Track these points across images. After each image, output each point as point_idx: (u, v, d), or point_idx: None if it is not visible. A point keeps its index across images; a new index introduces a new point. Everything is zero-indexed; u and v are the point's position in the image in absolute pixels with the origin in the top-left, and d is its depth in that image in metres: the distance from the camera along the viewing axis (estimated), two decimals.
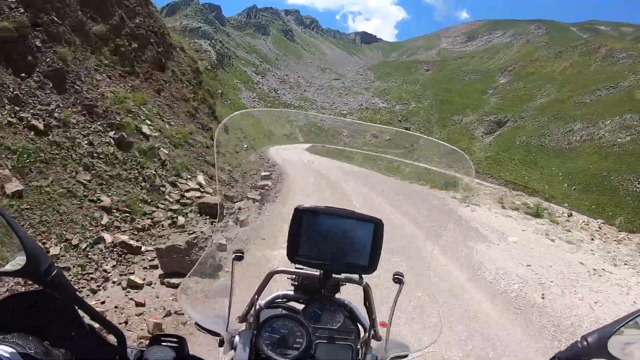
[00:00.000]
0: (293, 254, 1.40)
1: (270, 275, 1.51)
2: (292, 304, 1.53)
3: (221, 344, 1.46)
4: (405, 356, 1.60)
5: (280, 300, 1.54)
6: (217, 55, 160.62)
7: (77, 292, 0.84)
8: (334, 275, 1.48)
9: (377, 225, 1.43)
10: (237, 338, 1.44)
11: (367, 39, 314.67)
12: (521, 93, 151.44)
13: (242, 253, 1.50)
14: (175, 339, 1.19)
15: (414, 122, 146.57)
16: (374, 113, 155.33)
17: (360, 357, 1.46)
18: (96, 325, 0.95)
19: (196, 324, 1.48)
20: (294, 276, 1.55)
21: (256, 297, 1.45)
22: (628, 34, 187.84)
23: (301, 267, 1.53)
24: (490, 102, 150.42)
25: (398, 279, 1.59)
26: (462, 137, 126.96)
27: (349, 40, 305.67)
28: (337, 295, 1.58)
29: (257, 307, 1.45)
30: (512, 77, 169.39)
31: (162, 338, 1.18)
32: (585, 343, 1.05)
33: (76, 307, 0.91)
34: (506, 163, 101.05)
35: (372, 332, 1.53)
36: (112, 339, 0.99)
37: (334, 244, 1.42)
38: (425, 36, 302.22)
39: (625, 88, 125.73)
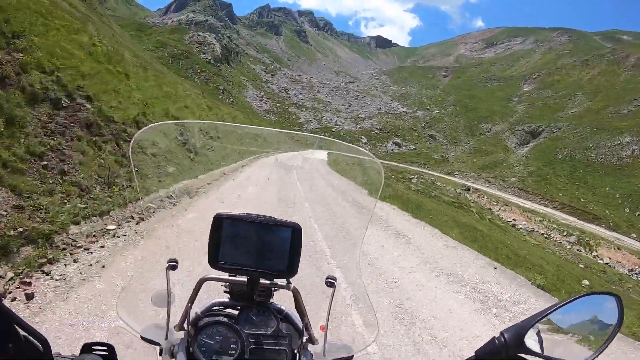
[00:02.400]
0: (214, 261, 1.40)
1: (200, 283, 1.51)
2: (230, 310, 1.52)
3: (161, 352, 1.43)
4: (345, 358, 1.57)
5: (217, 307, 1.53)
6: (223, 49, 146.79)
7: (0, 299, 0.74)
8: (262, 281, 1.48)
9: (295, 230, 1.42)
10: (176, 347, 1.42)
11: (382, 43, 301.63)
12: (550, 102, 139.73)
13: (176, 262, 1.48)
14: (105, 347, 1.19)
15: (439, 129, 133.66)
16: (395, 118, 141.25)
17: None
18: (22, 333, 0.92)
19: (140, 335, 1.45)
20: (226, 283, 1.54)
21: (189, 305, 1.43)
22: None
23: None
24: (517, 111, 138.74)
25: (330, 283, 1.58)
26: (494, 148, 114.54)
27: (363, 44, 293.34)
28: (274, 300, 1.58)
29: (194, 315, 1.45)
30: (538, 84, 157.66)
31: (93, 347, 1.18)
32: (502, 339, 1.05)
33: None
34: (552, 180, 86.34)
35: (307, 336, 1.55)
36: (38, 346, 0.96)
37: (254, 250, 1.42)
38: (441, 42, 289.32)
39: None
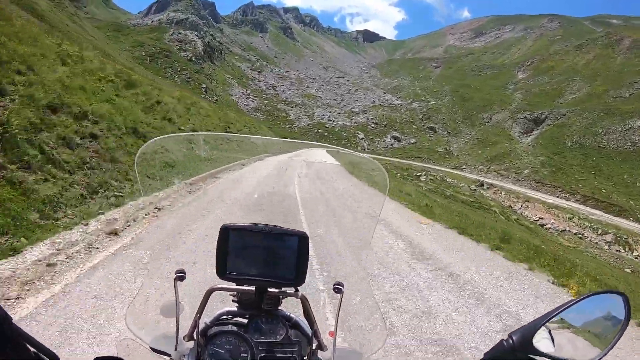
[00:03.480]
0: (222, 272, 1.40)
1: (209, 293, 1.50)
2: (239, 319, 1.51)
3: None
4: None
5: (225, 317, 1.52)
6: (205, 47, 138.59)
7: (9, 316, 0.87)
8: (270, 290, 1.48)
9: (301, 239, 1.42)
10: (186, 357, 1.43)
11: (370, 37, 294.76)
12: (547, 88, 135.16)
13: (184, 273, 1.48)
14: None
15: (437, 120, 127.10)
16: (391, 110, 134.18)
17: None
18: (32, 349, 0.92)
19: (150, 347, 1.47)
20: (234, 292, 1.53)
21: (198, 315, 1.43)
22: (637, 28, 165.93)
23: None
24: (515, 98, 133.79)
25: (338, 289, 1.58)
26: (498, 138, 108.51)
27: (351, 39, 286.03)
28: (282, 308, 1.57)
29: (203, 324, 1.44)
30: (532, 71, 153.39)
31: None
32: (511, 341, 1.04)
33: (9, 332, 0.88)
34: (568, 170, 79.37)
35: (317, 342, 1.54)
36: None
37: (261, 259, 1.42)
38: (429, 34, 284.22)
39: None
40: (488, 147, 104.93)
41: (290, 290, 1.49)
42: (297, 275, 1.42)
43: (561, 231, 50.19)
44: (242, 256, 1.41)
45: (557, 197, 68.22)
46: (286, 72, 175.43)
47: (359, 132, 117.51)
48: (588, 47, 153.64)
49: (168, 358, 1.42)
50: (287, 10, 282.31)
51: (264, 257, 1.42)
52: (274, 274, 1.41)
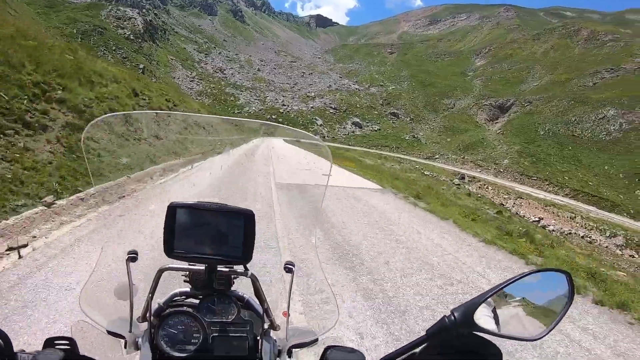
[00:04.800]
0: (169, 250, 1.37)
1: (159, 273, 1.48)
2: (192, 300, 1.50)
3: (126, 345, 1.42)
4: (307, 343, 1.55)
5: (178, 297, 1.52)
6: (146, 25, 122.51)
7: None
8: (220, 269, 1.46)
9: (247, 217, 1.40)
10: (140, 339, 1.40)
11: (322, 22, 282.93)
12: (508, 75, 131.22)
13: (136, 254, 1.46)
14: (67, 341, 1.17)
15: (398, 106, 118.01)
16: (349, 95, 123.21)
17: (259, 347, 1.44)
18: None
19: (106, 329, 1.44)
20: (186, 273, 1.51)
21: (150, 295, 1.41)
22: (593, 21, 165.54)
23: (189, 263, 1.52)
24: (476, 85, 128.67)
25: (288, 269, 1.56)
26: (466, 125, 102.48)
27: (303, 24, 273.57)
28: (235, 288, 1.57)
29: (157, 306, 1.44)
30: (490, 58, 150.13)
31: (55, 341, 1.16)
32: (452, 317, 1.02)
33: None
34: (548, 160, 72.50)
35: (269, 321, 1.54)
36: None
37: (209, 237, 1.39)
38: (382, 21, 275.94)
39: (634, 71, 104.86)
40: (456, 134, 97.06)
41: (240, 269, 1.49)
42: (244, 252, 1.40)
43: (567, 234, 40.77)
44: (190, 234, 1.38)
45: (546, 191, 59.77)
46: (236, 54, 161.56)
47: (317, 118, 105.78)
48: (546, 37, 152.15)
49: (122, 340, 1.40)
50: None
51: (211, 235, 1.39)
52: (220, 252, 1.39)
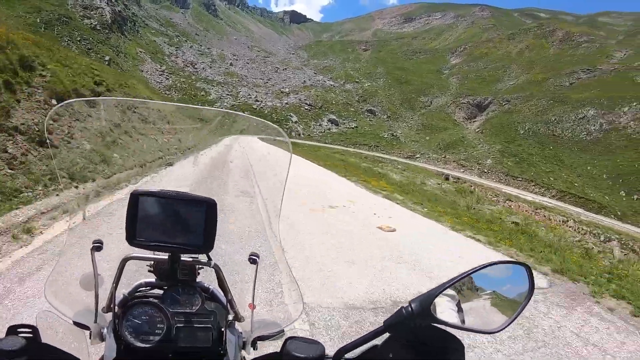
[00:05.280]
0: (131, 238, 1.35)
1: (123, 262, 1.47)
2: (156, 290, 1.49)
3: (91, 336, 1.41)
4: (272, 334, 1.56)
5: (143, 288, 1.50)
6: (114, 15, 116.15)
7: None
8: (184, 258, 1.45)
9: (209, 205, 1.39)
10: (104, 330, 1.39)
11: (296, 18, 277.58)
12: (484, 74, 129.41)
13: (101, 243, 1.45)
14: (29, 329, 1.15)
15: (375, 103, 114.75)
16: (324, 92, 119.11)
17: (224, 338, 1.43)
18: None
19: (72, 320, 1.42)
20: (151, 263, 1.50)
21: (114, 285, 1.41)
22: (568, 22, 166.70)
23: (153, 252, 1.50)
24: (452, 83, 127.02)
25: (253, 260, 1.57)
26: (444, 123, 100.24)
27: (277, 19, 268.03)
28: (202, 280, 1.55)
29: (121, 296, 1.42)
30: (466, 57, 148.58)
31: (18, 329, 1.14)
32: (410, 309, 1.02)
33: None
34: (531, 160, 70.54)
35: (233, 313, 1.54)
36: None
37: (171, 226, 1.37)
38: (357, 18, 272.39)
39: (610, 72, 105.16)
40: (435, 132, 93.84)
41: (204, 259, 1.48)
42: (205, 241, 1.38)
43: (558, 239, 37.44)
44: (151, 222, 1.36)
45: (532, 192, 56.95)
46: (208, 49, 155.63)
47: (292, 115, 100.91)
48: (521, 37, 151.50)
49: (87, 331, 1.39)
50: None
51: (173, 223, 1.37)
52: (182, 240, 1.37)
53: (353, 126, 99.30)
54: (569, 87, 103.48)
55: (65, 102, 1.44)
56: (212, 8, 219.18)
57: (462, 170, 65.40)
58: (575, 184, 61.46)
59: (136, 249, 1.37)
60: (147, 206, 1.36)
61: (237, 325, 1.53)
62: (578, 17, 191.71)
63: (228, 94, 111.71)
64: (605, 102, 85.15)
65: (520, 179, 61.35)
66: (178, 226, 1.37)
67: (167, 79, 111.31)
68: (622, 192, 61.85)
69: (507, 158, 69.08)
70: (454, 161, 71.18)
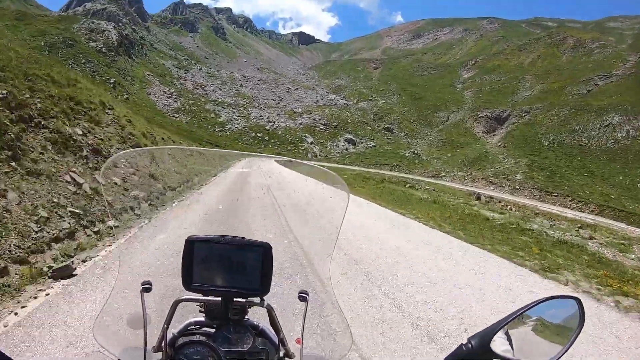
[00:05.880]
0: (188, 283, 1.38)
1: (175, 304, 1.47)
2: (206, 329, 1.48)
3: None
4: None
5: (193, 327, 1.49)
6: (121, 38, 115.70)
7: None
8: (236, 300, 1.46)
9: (265, 249, 1.41)
10: None
11: (305, 40, 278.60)
12: (499, 86, 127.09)
13: (150, 284, 1.46)
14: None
15: (391, 121, 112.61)
16: (339, 110, 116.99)
17: None
18: None
19: (118, 359, 1.43)
20: (201, 303, 1.50)
21: (166, 326, 1.40)
22: (577, 29, 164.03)
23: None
24: (467, 97, 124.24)
25: (303, 297, 1.56)
26: (465, 138, 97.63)
27: (285, 41, 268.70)
28: (249, 317, 1.56)
29: (171, 335, 1.42)
30: (477, 70, 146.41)
31: None
32: (470, 345, 1.02)
33: None
34: (562, 173, 67.26)
35: (284, 350, 1.53)
36: None
37: (227, 270, 1.41)
38: (365, 37, 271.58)
39: (628, 77, 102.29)
40: (456, 148, 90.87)
41: (256, 299, 1.48)
42: (262, 285, 1.41)
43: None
44: (207, 267, 1.39)
45: (570, 208, 53.48)
46: (217, 71, 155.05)
47: (307, 135, 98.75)
48: (532, 47, 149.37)
49: None
50: (219, 10, 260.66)
51: (229, 268, 1.40)
52: (239, 285, 1.40)
53: (371, 145, 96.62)
54: (587, 94, 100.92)
55: (122, 152, 1.23)
56: (221, 31, 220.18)
57: (492, 188, 62.21)
58: (612, 196, 58.21)
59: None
60: (203, 252, 1.37)
61: None
62: (586, 23, 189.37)
63: (239, 116, 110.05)
64: (629, 108, 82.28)
65: (555, 194, 58.11)
66: (234, 271, 1.39)
67: (175, 101, 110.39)
68: None
69: (536, 172, 65.88)
70: (482, 178, 68.00)
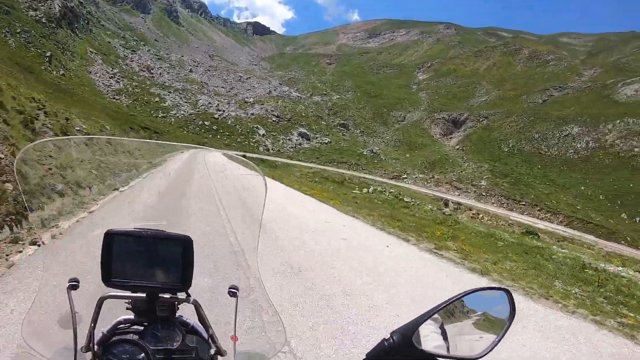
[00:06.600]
0: (107, 278, 1.32)
1: (100, 301, 1.41)
2: (136, 327, 1.43)
3: None
4: None
5: (123, 325, 1.43)
6: (65, 10, 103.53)
7: None
8: (162, 296, 1.42)
9: (185, 243, 1.36)
10: None
11: (260, 30, 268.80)
12: (454, 90, 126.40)
13: (77, 281, 1.39)
14: None
15: (346, 117, 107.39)
16: (292, 103, 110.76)
17: None
18: None
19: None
20: (129, 300, 1.45)
21: (92, 324, 1.34)
22: (532, 41, 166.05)
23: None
24: (423, 98, 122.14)
25: (233, 293, 1.54)
26: (422, 139, 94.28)
27: (240, 30, 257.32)
28: (182, 314, 1.52)
29: (100, 334, 1.36)
30: (433, 73, 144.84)
31: None
32: (392, 340, 1.00)
33: None
34: (526, 181, 64.91)
35: (215, 347, 1.47)
36: None
37: (146, 265, 1.35)
38: (321, 32, 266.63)
39: (584, 90, 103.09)
40: (415, 149, 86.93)
41: (182, 295, 1.43)
42: (183, 279, 1.35)
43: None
44: (127, 262, 1.34)
45: (539, 218, 50.31)
46: (167, 54, 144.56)
47: (258, 127, 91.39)
48: (487, 54, 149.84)
49: None
50: None
51: (149, 262, 1.35)
52: (159, 279, 1.35)
53: (326, 141, 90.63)
54: (543, 103, 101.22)
55: (37, 142, 1.38)
56: (174, 15, 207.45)
57: (457, 194, 58.14)
58: (578, 207, 55.44)
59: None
60: (123, 245, 1.32)
61: (220, 359, 1.48)
62: (539, 37, 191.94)
63: (186, 102, 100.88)
64: (588, 120, 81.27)
65: (524, 203, 54.71)
66: (154, 265, 1.33)
67: (117, 82, 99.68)
68: (624, 214, 56.85)
69: (500, 179, 62.92)
70: (446, 182, 63.90)
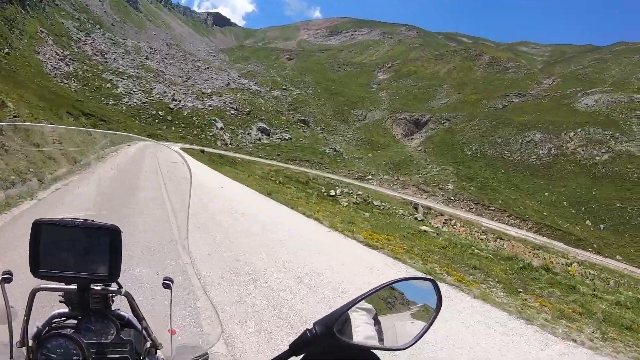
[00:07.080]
0: (35, 269, 1.27)
1: (32, 294, 1.36)
2: (71, 321, 1.41)
3: None
4: (196, 358, 1.50)
5: (57, 319, 1.41)
6: None
7: None
8: (93, 287, 1.38)
9: (113, 233, 1.32)
10: None
11: (220, 21, 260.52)
12: (415, 91, 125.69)
13: (11, 274, 1.35)
14: None
15: (306, 113, 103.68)
16: (252, 96, 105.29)
17: None
18: None
19: None
20: (62, 293, 1.40)
21: (25, 318, 1.32)
22: (491, 48, 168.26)
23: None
24: (383, 98, 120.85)
25: (167, 284, 1.52)
26: (384, 139, 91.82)
27: (200, 20, 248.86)
28: (118, 307, 1.49)
29: (35, 329, 1.33)
30: (393, 74, 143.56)
31: None
32: (314, 330, 0.98)
33: None
34: (492, 185, 63.96)
35: (150, 341, 1.46)
36: None
37: (74, 255, 1.31)
38: (282, 27, 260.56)
39: (544, 98, 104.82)
40: (377, 149, 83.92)
41: (114, 287, 1.41)
42: (111, 270, 1.31)
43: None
44: (55, 252, 1.29)
45: (509, 224, 48.59)
46: (122, 39, 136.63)
47: (216, 119, 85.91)
48: (448, 58, 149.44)
49: None
50: None
51: (77, 253, 1.31)
52: (87, 270, 1.30)
53: (287, 137, 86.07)
54: (503, 109, 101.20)
55: None
56: (133, 0, 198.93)
57: (425, 197, 55.57)
58: (545, 214, 54.26)
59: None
60: (51, 236, 1.27)
61: (159, 352, 1.45)
62: (498, 44, 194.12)
63: (140, 89, 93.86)
64: (550, 127, 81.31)
65: (492, 208, 52.87)
66: (83, 256, 1.30)
67: (67, 65, 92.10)
68: (588, 221, 56.47)
69: (467, 182, 61.19)
70: (413, 185, 61.19)
